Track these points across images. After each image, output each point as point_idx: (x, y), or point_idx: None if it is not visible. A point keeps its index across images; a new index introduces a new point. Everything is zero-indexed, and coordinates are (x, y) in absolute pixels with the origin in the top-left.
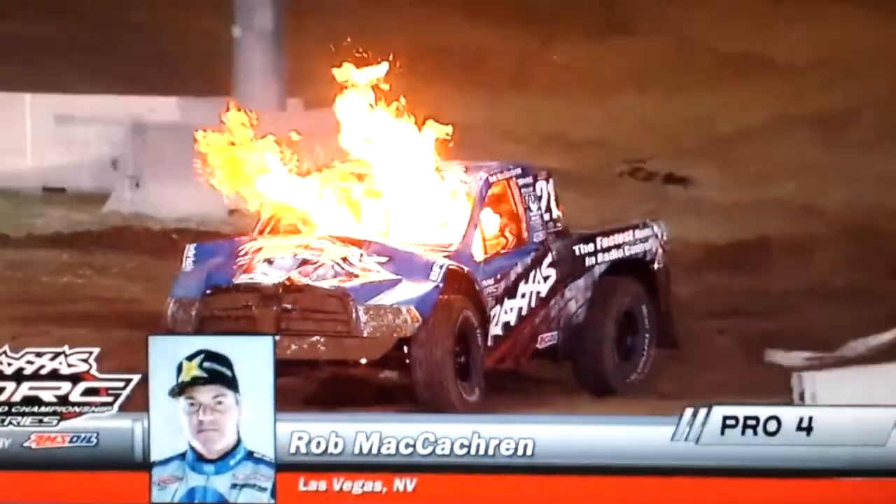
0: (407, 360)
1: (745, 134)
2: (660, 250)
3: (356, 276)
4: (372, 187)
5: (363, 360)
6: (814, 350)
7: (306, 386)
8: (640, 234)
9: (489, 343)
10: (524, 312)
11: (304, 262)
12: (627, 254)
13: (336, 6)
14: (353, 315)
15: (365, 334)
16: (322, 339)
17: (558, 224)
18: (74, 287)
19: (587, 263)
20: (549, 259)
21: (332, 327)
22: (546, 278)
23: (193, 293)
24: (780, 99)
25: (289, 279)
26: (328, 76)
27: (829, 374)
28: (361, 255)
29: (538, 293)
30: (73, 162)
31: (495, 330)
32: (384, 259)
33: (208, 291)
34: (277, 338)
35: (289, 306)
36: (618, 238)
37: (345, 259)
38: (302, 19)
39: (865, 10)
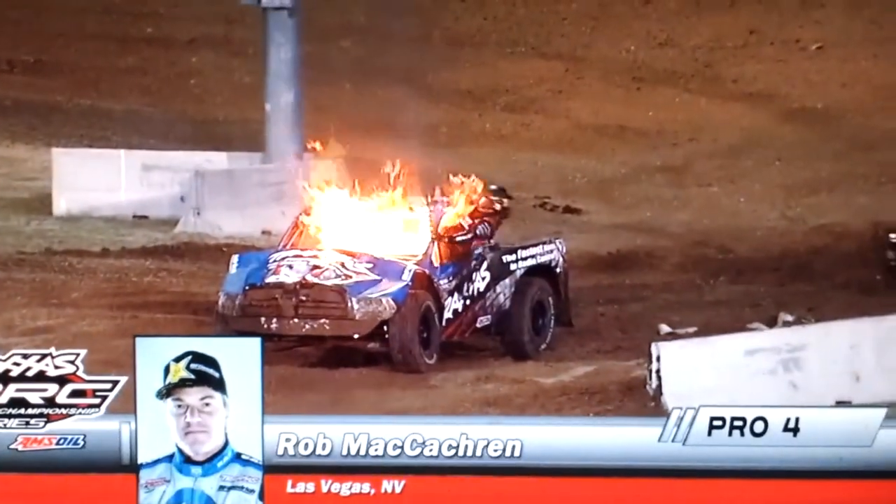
0: (386, 335)
1: (618, 179)
2: (560, 259)
3: (351, 276)
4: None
5: (356, 336)
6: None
7: (317, 352)
8: (547, 247)
9: (443, 323)
10: (468, 302)
11: (315, 267)
12: (539, 261)
13: (338, 93)
14: (349, 304)
15: (357, 317)
16: (327, 321)
17: (491, 240)
18: (154, 284)
19: (511, 268)
20: (485, 265)
21: (334, 312)
22: (483, 278)
23: (237, 289)
24: (639, 154)
25: (304, 279)
26: (332, 138)
27: (673, 343)
28: (354, 262)
29: (478, 289)
30: (154, 197)
31: (448, 314)
32: (371, 265)
33: (247, 287)
34: (296, 320)
35: (304, 298)
36: (532, 250)
37: (342, 265)
38: (313, 97)
39: (697, 97)
